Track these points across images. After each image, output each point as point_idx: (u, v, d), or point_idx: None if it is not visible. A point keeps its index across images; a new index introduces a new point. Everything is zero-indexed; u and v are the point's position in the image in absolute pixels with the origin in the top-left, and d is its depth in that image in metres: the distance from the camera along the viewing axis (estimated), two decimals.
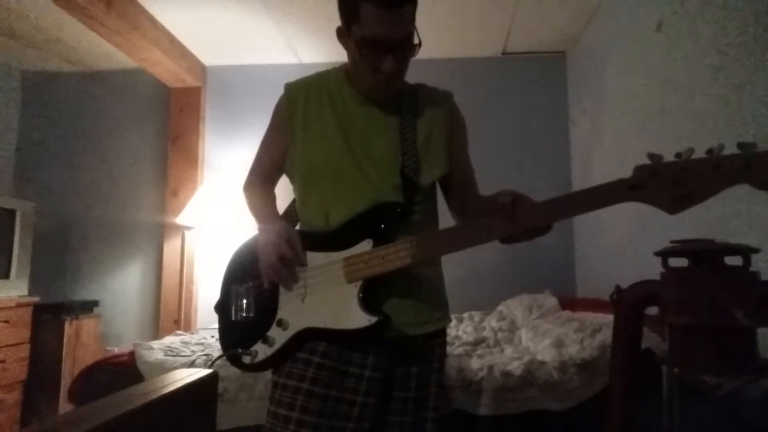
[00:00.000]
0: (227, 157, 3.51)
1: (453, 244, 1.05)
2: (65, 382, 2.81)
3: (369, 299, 1.06)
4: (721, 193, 0.85)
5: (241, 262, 1.22)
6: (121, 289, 3.47)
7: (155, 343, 2.23)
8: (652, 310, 1.01)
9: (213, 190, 3.12)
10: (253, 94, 3.52)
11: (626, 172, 0.92)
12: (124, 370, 1.98)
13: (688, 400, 1.10)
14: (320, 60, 3.49)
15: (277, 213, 1.27)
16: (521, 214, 0.98)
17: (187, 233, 3.29)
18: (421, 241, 1.04)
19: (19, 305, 2.80)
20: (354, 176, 1.13)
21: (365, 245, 1.07)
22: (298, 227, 1.23)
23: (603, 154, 2.82)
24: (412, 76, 1.19)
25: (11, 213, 2.90)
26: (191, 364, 1.98)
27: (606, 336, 1.84)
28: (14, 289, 2.86)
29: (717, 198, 0.86)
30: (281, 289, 1.14)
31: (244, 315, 1.17)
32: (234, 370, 1.18)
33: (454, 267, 1.60)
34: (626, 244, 2.44)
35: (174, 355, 2.08)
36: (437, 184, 1.24)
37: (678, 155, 0.87)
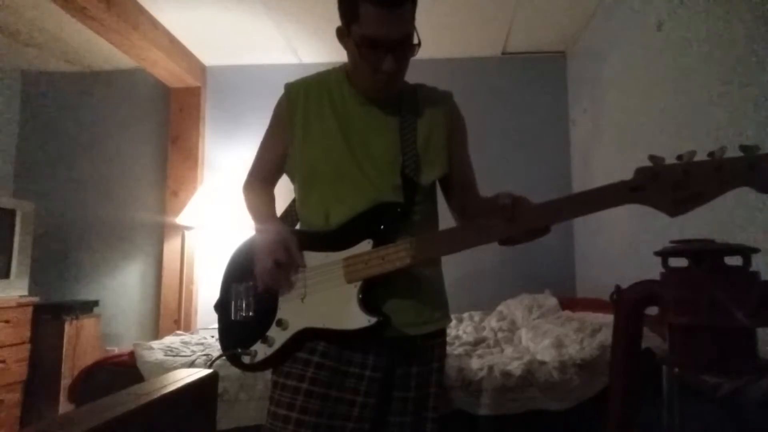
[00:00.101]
0: (227, 157, 3.52)
1: (453, 244, 1.05)
2: (65, 382, 2.81)
3: (369, 299, 1.06)
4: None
5: (240, 262, 1.22)
6: (121, 289, 3.47)
7: (155, 343, 2.23)
8: (652, 310, 1.01)
9: (213, 190, 3.12)
10: (253, 94, 3.52)
11: (626, 172, 0.92)
12: (124, 370, 1.98)
13: (688, 400, 1.10)
14: (320, 60, 3.49)
15: (275, 214, 1.27)
16: (521, 216, 0.98)
17: (187, 233, 3.29)
18: (421, 241, 1.04)
19: (19, 305, 2.80)
20: (354, 176, 1.13)
21: (365, 245, 1.07)
22: (298, 227, 1.23)
23: (603, 154, 2.82)
24: (412, 76, 1.19)
25: (11, 213, 2.90)
26: (191, 364, 1.98)
27: (606, 336, 1.84)
28: (14, 289, 2.86)
29: (717, 198, 0.86)
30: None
31: (244, 315, 1.17)
32: (234, 370, 1.18)
33: (454, 267, 1.60)
34: (626, 244, 2.44)
35: (174, 355, 2.08)
36: (437, 185, 1.23)
37: (679, 157, 0.87)
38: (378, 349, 1.10)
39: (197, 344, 2.32)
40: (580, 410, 1.71)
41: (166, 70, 3.27)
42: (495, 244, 1.07)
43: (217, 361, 1.26)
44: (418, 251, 1.03)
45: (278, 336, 1.11)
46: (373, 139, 1.15)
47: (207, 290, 3.36)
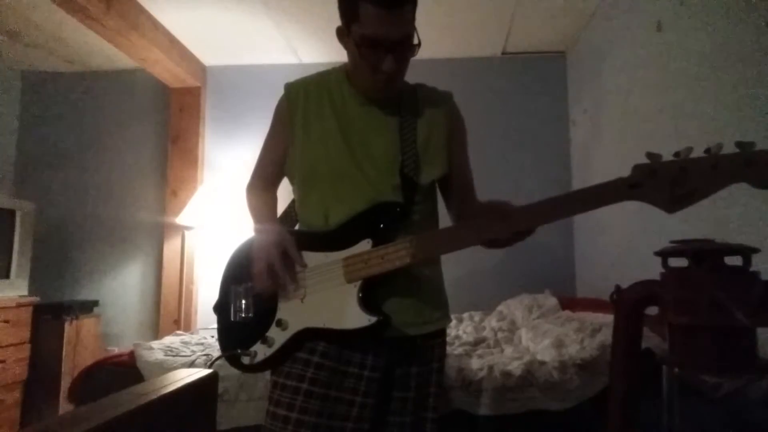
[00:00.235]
0: (227, 157, 3.52)
1: (452, 243, 1.05)
2: (65, 382, 2.81)
3: (368, 299, 1.06)
4: (721, 193, 0.85)
5: (239, 263, 1.21)
6: (121, 289, 3.47)
7: (155, 343, 2.24)
8: (652, 310, 1.01)
9: (213, 190, 3.12)
10: (253, 94, 3.52)
11: (626, 172, 0.92)
12: (124, 370, 1.98)
13: (688, 400, 1.10)
14: (320, 60, 3.49)
15: (274, 215, 1.27)
16: (520, 214, 0.98)
17: (187, 233, 3.29)
18: (421, 240, 1.03)
19: (19, 305, 2.80)
20: (353, 176, 1.13)
21: (365, 245, 1.07)
22: (297, 227, 1.23)
23: (603, 154, 2.82)
24: (412, 76, 1.19)
25: (11, 213, 2.90)
26: (191, 364, 1.98)
27: (606, 336, 1.84)
28: (14, 289, 2.86)
29: (717, 198, 0.86)
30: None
31: (243, 315, 1.17)
32: (234, 370, 1.18)
33: (454, 267, 1.60)
34: (626, 244, 2.44)
35: (174, 355, 2.08)
36: (437, 185, 1.23)
37: (677, 154, 0.88)
38: (377, 349, 1.10)
39: (197, 344, 2.32)
40: (580, 410, 1.71)
41: (166, 70, 3.27)
42: None
43: (217, 361, 1.26)
44: (417, 250, 1.03)
45: (278, 336, 1.11)
46: (373, 139, 1.15)
47: (207, 290, 3.36)
